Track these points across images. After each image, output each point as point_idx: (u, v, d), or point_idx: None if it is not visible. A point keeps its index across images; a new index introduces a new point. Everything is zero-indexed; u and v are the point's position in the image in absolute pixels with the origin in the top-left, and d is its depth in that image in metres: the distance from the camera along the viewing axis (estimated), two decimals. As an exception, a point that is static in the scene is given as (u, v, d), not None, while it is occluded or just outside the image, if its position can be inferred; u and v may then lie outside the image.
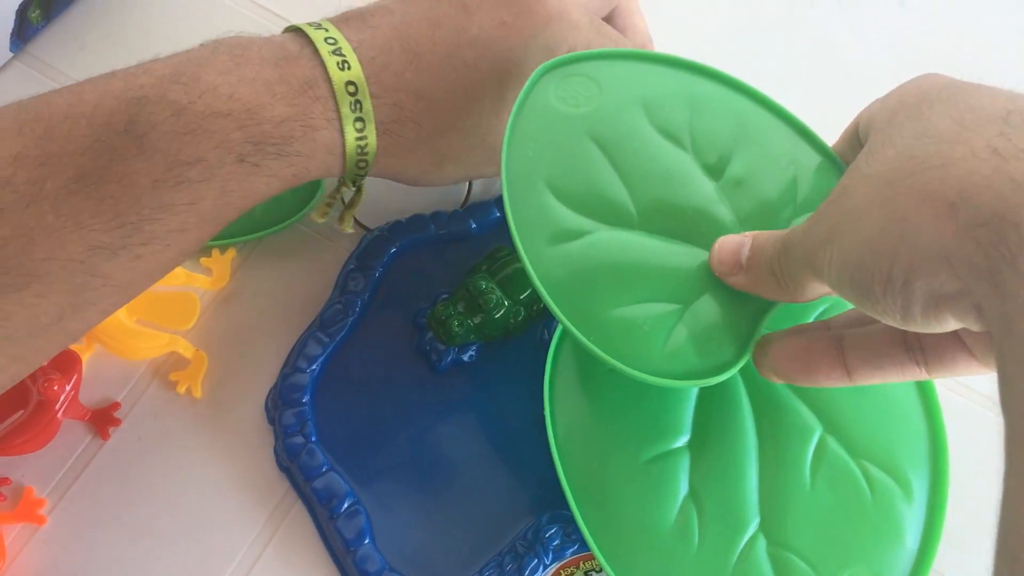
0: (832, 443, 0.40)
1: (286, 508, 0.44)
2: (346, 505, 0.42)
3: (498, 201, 0.50)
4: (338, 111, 0.37)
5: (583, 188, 0.39)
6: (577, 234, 0.38)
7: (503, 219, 0.44)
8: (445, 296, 0.47)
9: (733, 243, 0.36)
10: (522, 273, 0.45)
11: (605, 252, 0.38)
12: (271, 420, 0.45)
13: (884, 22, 0.58)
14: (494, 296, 0.45)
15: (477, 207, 0.49)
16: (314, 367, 0.45)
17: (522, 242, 0.37)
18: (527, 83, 0.39)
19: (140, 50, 0.53)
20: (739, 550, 0.38)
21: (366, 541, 0.42)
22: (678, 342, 0.36)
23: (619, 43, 0.43)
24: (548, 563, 0.42)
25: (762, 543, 0.38)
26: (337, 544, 0.42)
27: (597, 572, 0.42)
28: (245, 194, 0.36)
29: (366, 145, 0.38)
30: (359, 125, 0.38)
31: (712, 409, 0.40)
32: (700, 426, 0.40)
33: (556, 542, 0.42)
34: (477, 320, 0.45)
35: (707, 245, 0.37)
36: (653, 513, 0.39)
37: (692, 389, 0.40)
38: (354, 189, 0.42)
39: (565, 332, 0.37)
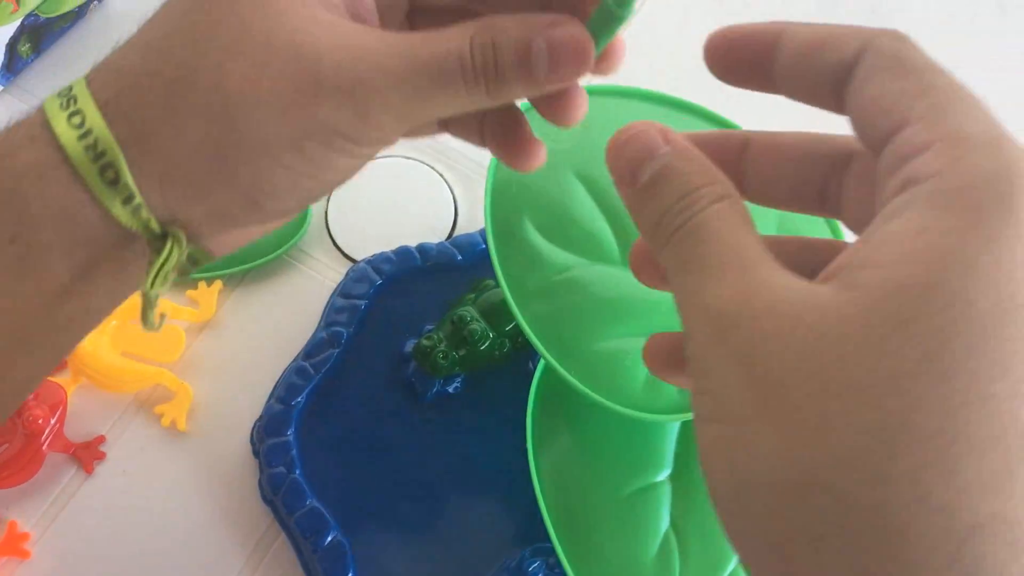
0: None
1: (269, 541, 0.44)
2: (329, 538, 0.42)
3: (484, 232, 0.50)
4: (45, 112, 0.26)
5: (566, 223, 0.39)
6: (560, 269, 0.38)
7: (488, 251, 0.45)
8: (430, 328, 0.47)
9: (644, 143, 0.24)
10: (507, 305, 0.45)
11: (587, 287, 0.38)
12: (256, 452, 0.45)
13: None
14: (479, 328, 0.45)
15: (463, 239, 0.50)
16: (299, 399, 0.45)
17: (505, 277, 0.37)
18: None
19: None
20: None
21: (348, 575, 0.42)
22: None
23: None
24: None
25: None
26: (320, 577, 0.42)
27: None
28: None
29: (91, 131, 0.25)
30: (65, 103, 0.26)
31: (694, 442, 0.40)
32: (682, 459, 0.40)
33: (540, 575, 0.42)
34: (462, 352, 0.45)
35: None
36: (634, 546, 0.39)
37: (674, 423, 0.41)
38: (153, 237, 0.26)
39: (546, 364, 0.37)
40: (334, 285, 0.48)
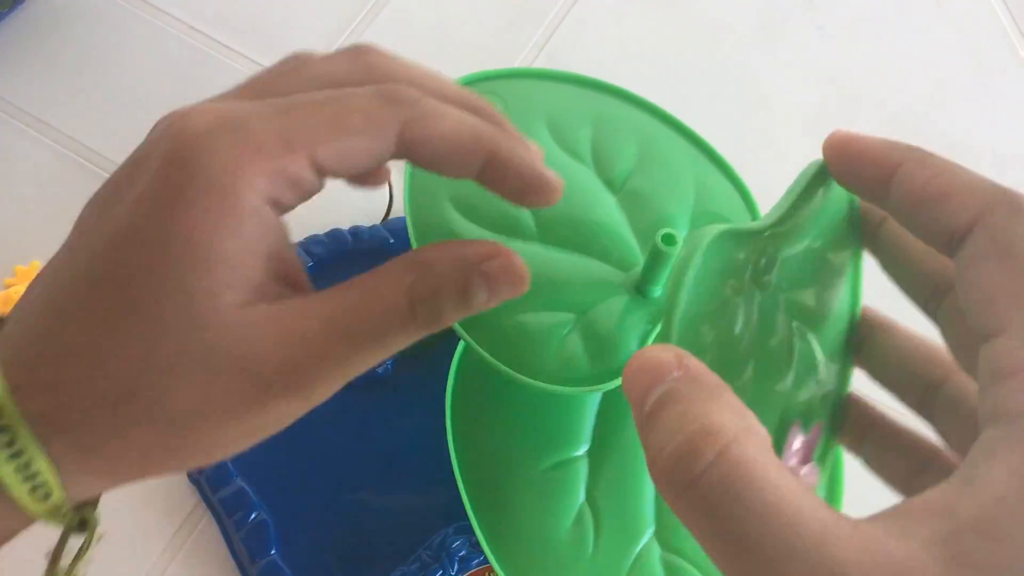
0: None
1: (195, 520, 0.44)
2: (253, 516, 0.42)
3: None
4: None
5: (485, 203, 0.39)
6: None
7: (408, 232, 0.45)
8: (360, 310, 0.47)
9: (654, 366, 0.22)
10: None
11: None
12: (181, 432, 0.45)
13: (804, 48, 0.60)
14: None
15: (396, 223, 0.50)
16: (227, 380, 0.45)
17: None
18: None
19: (69, 70, 0.54)
20: (633, 556, 0.39)
21: (272, 552, 0.42)
22: (572, 349, 0.37)
23: (330, 99, 0.26)
24: (453, 573, 0.42)
25: (656, 550, 0.39)
26: (243, 555, 0.42)
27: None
28: None
29: (30, 465, 0.24)
30: (4, 438, 0.24)
31: (612, 418, 0.41)
32: (600, 435, 0.41)
33: (462, 553, 0.42)
34: None
35: (604, 256, 0.38)
36: (550, 521, 0.39)
37: (593, 398, 0.41)
38: (77, 531, 0.27)
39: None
40: (265, 267, 0.49)
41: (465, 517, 0.41)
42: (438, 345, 0.47)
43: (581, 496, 0.39)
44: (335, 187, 0.51)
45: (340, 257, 0.49)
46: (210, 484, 0.43)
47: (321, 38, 0.56)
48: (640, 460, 0.40)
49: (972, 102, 0.58)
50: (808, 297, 0.30)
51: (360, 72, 0.28)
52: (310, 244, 0.49)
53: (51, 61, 0.55)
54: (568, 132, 0.41)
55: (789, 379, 0.29)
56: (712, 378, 0.21)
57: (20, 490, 0.24)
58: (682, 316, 0.25)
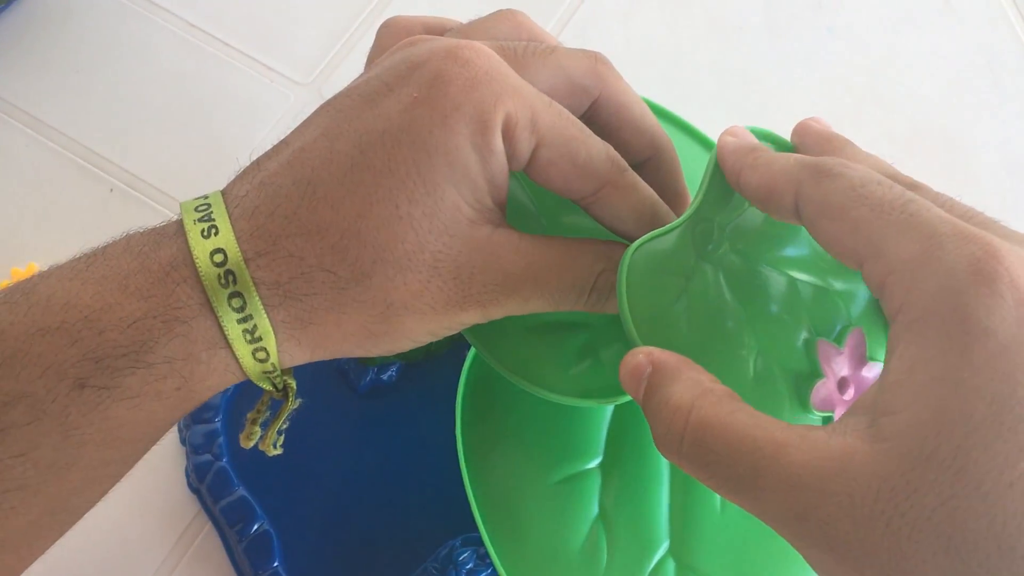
0: None
1: (196, 531, 0.43)
2: (255, 527, 0.41)
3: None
4: (205, 293, 0.27)
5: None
6: None
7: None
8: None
9: (634, 369, 0.27)
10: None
11: None
12: (183, 440, 0.44)
13: (812, 48, 0.59)
14: None
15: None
16: (228, 386, 0.44)
17: None
18: None
19: (65, 68, 0.53)
20: (648, 572, 0.38)
21: (274, 564, 0.41)
22: (587, 360, 0.36)
23: (577, 124, 0.31)
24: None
25: (671, 565, 0.38)
26: (245, 567, 0.41)
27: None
28: (106, 428, 0.27)
29: (255, 329, 0.27)
30: (236, 302, 0.27)
31: (626, 430, 0.40)
32: (613, 447, 0.40)
33: (469, 565, 0.41)
34: None
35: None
36: (562, 535, 0.38)
37: (606, 410, 0.40)
38: (279, 394, 0.31)
39: (476, 350, 0.37)
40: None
41: (472, 529, 0.41)
42: (444, 352, 0.46)
43: (594, 510, 0.38)
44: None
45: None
46: (211, 494, 0.42)
47: (322, 37, 0.55)
48: (653, 473, 0.39)
49: (982, 104, 0.57)
50: (767, 242, 0.34)
51: (595, 80, 0.33)
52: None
53: (48, 58, 0.54)
54: None
55: (783, 310, 0.33)
56: (672, 361, 0.27)
57: (244, 350, 0.28)
58: (635, 323, 0.29)
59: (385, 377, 0.45)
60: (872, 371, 0.33)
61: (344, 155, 0.28)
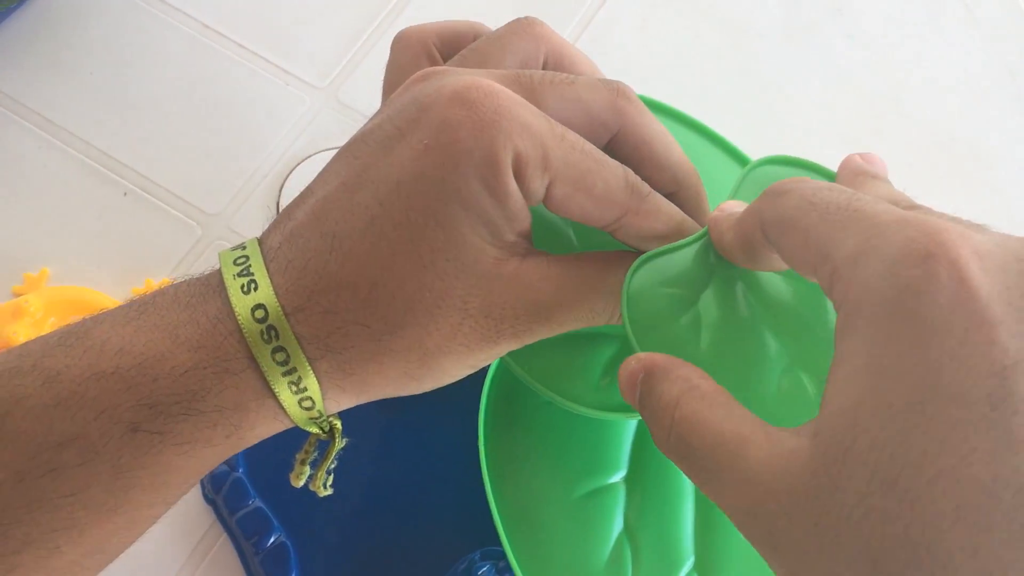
0: None
1: (211, 542, 0.42)
2: (272, 540, 0.41)
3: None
4: (248, 348, 0.28)
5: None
6: None
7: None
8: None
9: (629, 376, 0.28)
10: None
11: None
12: (198, 451, 0.43)
13: (832, 55, 0.59)
14: None
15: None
16: (244, 395, 0.43)
17: None
18: None
19: (78, 69, 0.52)
20: None
21: (292, 577, 0.40)
22: (614, 373, 0.36)
23: (592, 154, 0.31)
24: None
25: None
26: (262, 580, 0.41)
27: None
28: (156, 472, 0.28)
29: (300, 380, 0.28)
30: (280, 356, 0.28)
31: (649, 444, 0.39)
32: (637, 461, 0.39)
33: None
34: None
35: None
36: (586, 550, 0.38)
37: (630, 423, 0.40)
38: (326, 436, 0.32)
39: (501, 361, 0.36)
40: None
41: (492, 542, 0.40)
42: None
43: (619, 525, 0.38)
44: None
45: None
46: (227, 505, 0.41)
47: (338, 40, 0.55)
48: (678, 487, 0.39)
49: (1004, 113, 0.57)
50: None
51: (614, 115, 0.32)
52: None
53: (60, 59, 0.53)
54: None
55: (818, 326, 0.33)
56: (662, 362, 0.27)
57: (290, 400, 0.29)
58: (638, 337, 0.30)
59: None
60: None
61: (363, 207, 0.29)
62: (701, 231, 0.34)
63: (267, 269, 0.29)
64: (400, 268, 0.28)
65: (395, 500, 0.43)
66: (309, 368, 0.28)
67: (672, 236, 0.32)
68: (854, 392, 0.21)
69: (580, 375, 0.36)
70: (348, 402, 0.30)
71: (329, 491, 0.34)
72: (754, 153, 0.40)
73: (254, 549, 0.41)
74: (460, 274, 0.29)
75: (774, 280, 0.35)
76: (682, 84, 0.56)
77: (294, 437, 0.43)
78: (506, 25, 0.34)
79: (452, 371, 0.30)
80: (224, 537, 0.42)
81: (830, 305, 0.35)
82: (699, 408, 0.25)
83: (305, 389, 0.29)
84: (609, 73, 0.48)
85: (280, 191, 0.50)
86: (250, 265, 0.29)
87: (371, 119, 0.31)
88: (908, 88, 0.58)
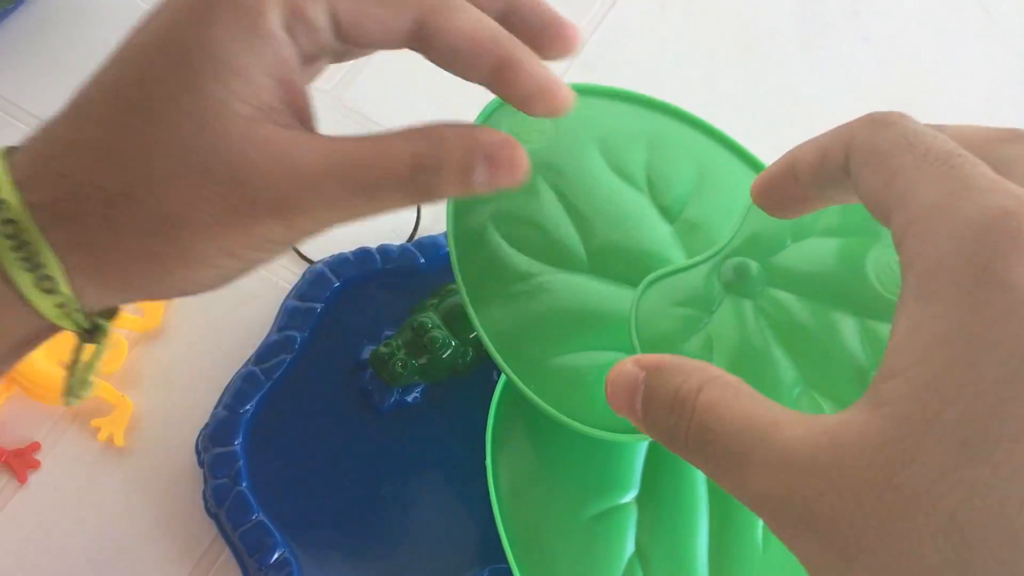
0: None
1: (213, 557, 0.41)
2: (276, 556, 0.40)
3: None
4: None
5: (532, 229, 0.37)
6: (524, 276, 0.36)
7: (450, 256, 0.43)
8: (390, 334, 0.44)
9: (626, 380, 0.25)
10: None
11: (552, 296, 0.36)
12: (200, 463, 0.42)
13: (848, 57, 0.57)
14: (440, 336, 0.43)
15: (426, 240, 0.47)
16: (248, 407, 0.42)
17: (466, 285, 0.35)
18: (480, 114, 0.38)
19: (75, 71, 0.51)
20: None
21: (296, 595, 0.39)
22: None
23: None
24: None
25: None
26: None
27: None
28: None
29: (34, 256, 0.25)
30: (8, 229, 0.25)
31: (662, 463, 0.38)
32: (649, 481, 0.38)
33: None
34: (422, 361, 0.43)
35: None
36: (597, 572, 0.37)
37: (641, 442, 0.39)
38: (88, 336, 0.28)
39: (508, 381, 0.35)
40: (288, 287, 0.46)
41: (500, 559, 0.39)
42: (470, 373, 0.44)
43: (630, 547, 0.37)
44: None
45: (368, 277, 0.46)
46: (230, 520, 0.41)
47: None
48: (691, 507, 0.38)
49: (1021, 118, 0.56)
50: (817, 281, 0.35)
51: None
52: (336, 263, 0.46)
53: (55, 60, 0.52)
54: (622, 154, 0.39)
55: (833, 347, 0.33)
56: (671, 359, 0.24)
57: (25, 280, 0.25)
58: (640, 342, 0.31)
59: (409, 399, 0.44)
60: None
61: (110, 75, 0.27)
62: (710, 251, 0.34)
63: (7, 149, 0.26)
64: (135, 127, 0.26)
65: (402, 514, 0.42)
66: (41, 237, 0.25)
67: (485, 40, 0.28)
68: (938, 362, 0.19)
69: (589, 396, 0.35)
70: (99, 291, 0.27)
71: (79, 400, 0.30)
72: (768, 158, 0.39)
73: (257, 565, 0.40)
74: (202, 131, 0.25)
75: (786, 300, 0.34)
76: (694, 88, 0.55)
77: (302, 455, 0.42)
78: None
79: (203, 254, 0.26)
80: (227, 552, 0.41)
81: (847, 325, 0.34)
82: (724, 395, 0.23)
83: (42, 266, 0.25)
84: (620, 77, 0.46)
85: (285, 196, 0.49)
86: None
87: None
88: (924, 91, 0.56)
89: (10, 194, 0.25)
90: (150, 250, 0.26)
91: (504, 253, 0.37)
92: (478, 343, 0.44)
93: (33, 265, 0.25)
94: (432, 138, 0.27)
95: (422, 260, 0.47)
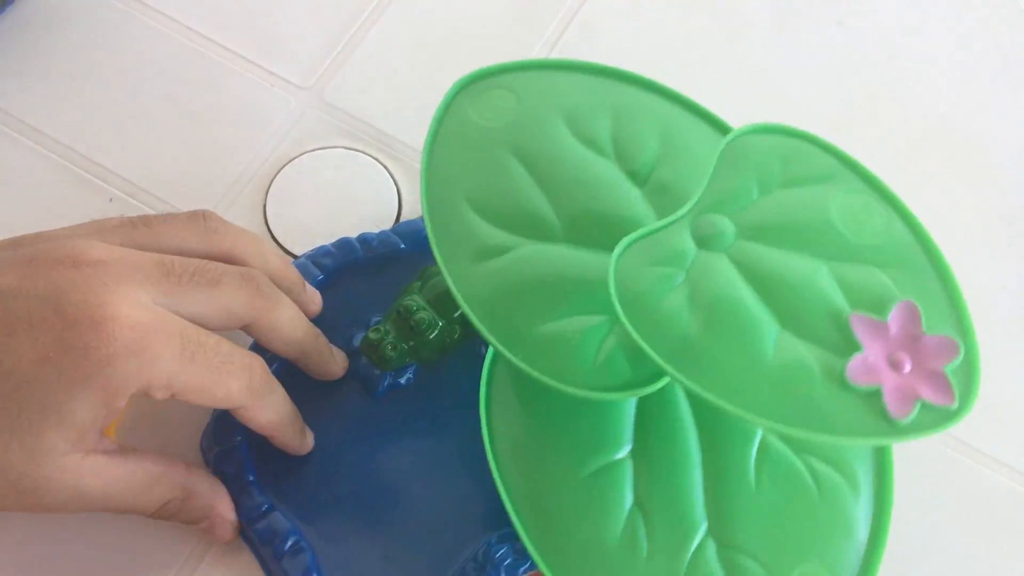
0: (775, 441, 0.40)
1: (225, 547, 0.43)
2: (289, 543, 0.41)
3: (425, 219, 0.49)
4: None
5: (505, 203, 0.38)
6: (501, 250, 0.38)
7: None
8: (378, 319, 0.46)
9: None
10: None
11: (530, 267, 0.37)
12: (207, 461, 0.44)
13: (822, 43, 0.58)
14: (426, 317, 0.44)
15: (405, 226, 0.49)
16: (248, 403, 0.44)
17: (445, 262, 0.37)
18: (443, 99, 0.39)
19: (60, 75, 0.52)
20: (689, 555, 0.38)
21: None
22: (609, 353, 0.36)
23: (215, 367, 0.35)
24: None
25: (712, 546, 0.38)
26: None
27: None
28: None
29: None
30: None
31: (652, 416, 0.40)
32: (641, 435, 0.40)
33: (508, 561, 0.41)
34: (411, 343, 0.44)
35: None
36: (599, 527, 0.38)
37: (630, 400, 0.40)
38: None
39: (496, 351, 0.37)
40: (276, 283, 0.47)
41: (506, 524, 0.41)
42: (459, 348, 0.46)
43: (629, 499, 0.38)
44: (343, 198, 0.50)
45: (351, 266, 0.47)
46: (242, 513, 0.42)
47: (323, 38, 0.54)
48: (684, 455, 0.39)
49: (997, 101, 0.56)
50: (786, 229, 0.37)
51: (207, 242, 0.39)
52: (319, 256, 0.47)
53: (44, 65, 0.53)
54: (587, 124, 0.40)
55: (809, 291, 0.35)
56: None
57: None
58: (625, 311, 0.33)
59: (403, 380, 0.45)
60: (939, 342, 0.33)
61: None
62: (681, 211, 0.35)
63: None
64: None
65: (407, 491, 0.43)
66: None
67: (281, 427, 0.40)
68: None
69: (575, 359, 0.36)
70: None
71: None
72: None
73: (272, 553, 0.41)
74: (26, 462, 0.33)
75: (758, 251, 0.35)
76: (670, 71, 0.55)
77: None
78: (182, 214, 0.40)
79: None
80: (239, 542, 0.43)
81: (817, 269, 0.36)
82: None
83: None
84: (597, 59, 0.47)
85: (267, 193, 0.50)
86: None
87: (54, 231, 0.39)
88: (900, 74, 0.57)
89: None
90: None
91: (480, 229, 0.38)
92: (464, 320, 0.45)
93: None
94: (187, 491, 0.38)
95: (403, 246, 0.48)
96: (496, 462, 0.39)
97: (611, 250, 0.37)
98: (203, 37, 0.54)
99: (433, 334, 0.44)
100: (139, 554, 0.42)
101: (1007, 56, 0.58)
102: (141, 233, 0.37)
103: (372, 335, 0.44)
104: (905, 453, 0.42)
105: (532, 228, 0.38)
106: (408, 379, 0.45)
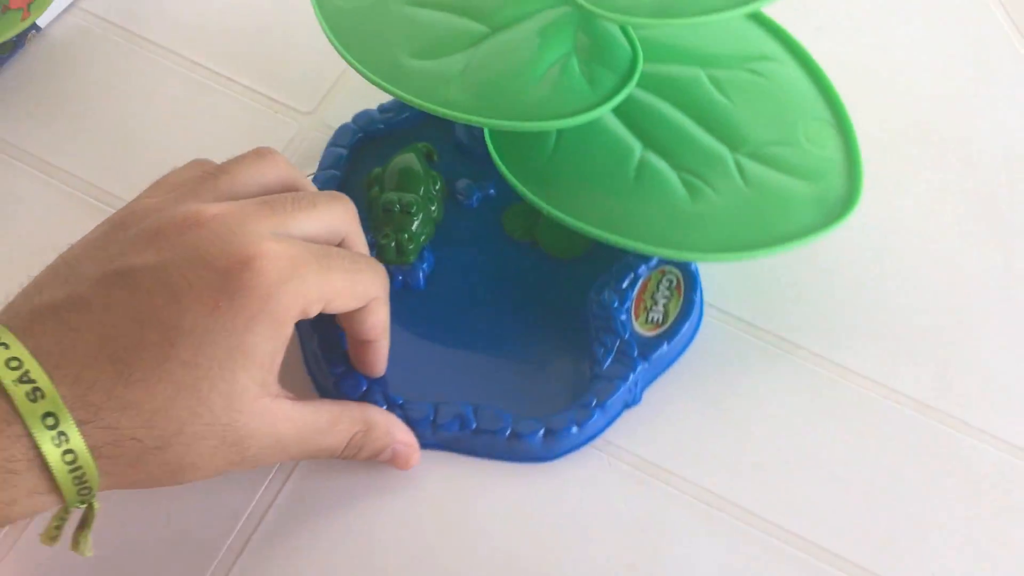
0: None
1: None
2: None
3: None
4: (40, 453, 0.32)
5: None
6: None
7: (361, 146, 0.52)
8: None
9: None
10: (410, 164, 0.49)
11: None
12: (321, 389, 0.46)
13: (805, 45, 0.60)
14: (409, 199, 0.47)
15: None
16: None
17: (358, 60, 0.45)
18: None
19: (73, 111, 0.54)
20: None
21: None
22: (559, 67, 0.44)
23: (348, 268, 0.38)
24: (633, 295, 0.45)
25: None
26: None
27: (670, 279, 0.46)
28: None
29: (83, 475, 0.33)
30: (69, 457, 0.32)
31: (642, 116, 0.46)
32: (636, 128, 0.46)
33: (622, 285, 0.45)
34: (414, 227, 0.47)
35: None
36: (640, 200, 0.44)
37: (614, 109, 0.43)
38: (84, 507, 0.35)
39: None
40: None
41: (598, 276, 0.46)
42: (450, 200, 0.49)
43: (638, 148, 0.45)
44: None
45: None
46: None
47: (323, 64, 0.57)
48: (672, 116, 0.46)
49: (972, 100, 0.58)
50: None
51: (281, 173, 0.41)
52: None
53: (54, 102, 0.55)
54: None
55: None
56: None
57: (71, 493, 0.33)
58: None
59: (426, 266, 0.48)
60: None
61: (156, 346, 0.34)
62: None
63: (51, 376, 0.32)
64: (182, 399, 0.34)
65: (492, 330, 0.47)
66: (94, 464, 0.33)
67: (387, 329, 0.42)
68: None
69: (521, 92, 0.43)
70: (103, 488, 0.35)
71: (91, 553, 0.37)
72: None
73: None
74: (227, 409, 0.34)
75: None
76: None
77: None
78: (247, 155, 0.42)
79: (189, 480, 0.36)
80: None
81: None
82: None
83: (86, 482, 0.33)
84: None
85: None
86: (28, 371, 0.32)
87: (142, 203, 0.39)
88: (880, 76, 0.59)
89: (70, 428, 0.32)
90: (159, 479, 0.35)
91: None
92: (433, 178, 0.49)
93: (74, 468, 0.32)
94: (366, 428, 0.40)
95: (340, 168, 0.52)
96: (528, 189, 0.44)
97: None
98: (207, 70, 0.58)
99: (422, 213, 0.47)
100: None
101: (980, 55, 0.60)
102: (224, 182, 0.39)
103: (383, 241, 0.47)
104: (906, 437, 0.45)
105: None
106: (429, 262, 0.48)
